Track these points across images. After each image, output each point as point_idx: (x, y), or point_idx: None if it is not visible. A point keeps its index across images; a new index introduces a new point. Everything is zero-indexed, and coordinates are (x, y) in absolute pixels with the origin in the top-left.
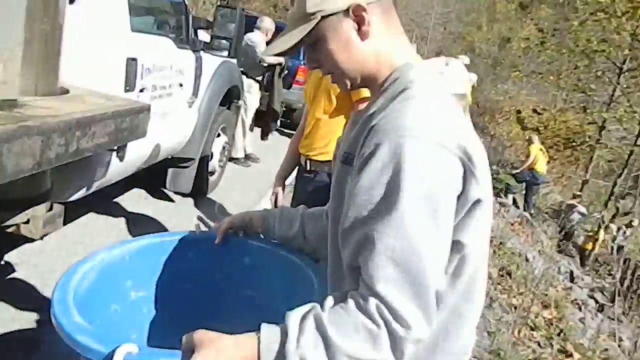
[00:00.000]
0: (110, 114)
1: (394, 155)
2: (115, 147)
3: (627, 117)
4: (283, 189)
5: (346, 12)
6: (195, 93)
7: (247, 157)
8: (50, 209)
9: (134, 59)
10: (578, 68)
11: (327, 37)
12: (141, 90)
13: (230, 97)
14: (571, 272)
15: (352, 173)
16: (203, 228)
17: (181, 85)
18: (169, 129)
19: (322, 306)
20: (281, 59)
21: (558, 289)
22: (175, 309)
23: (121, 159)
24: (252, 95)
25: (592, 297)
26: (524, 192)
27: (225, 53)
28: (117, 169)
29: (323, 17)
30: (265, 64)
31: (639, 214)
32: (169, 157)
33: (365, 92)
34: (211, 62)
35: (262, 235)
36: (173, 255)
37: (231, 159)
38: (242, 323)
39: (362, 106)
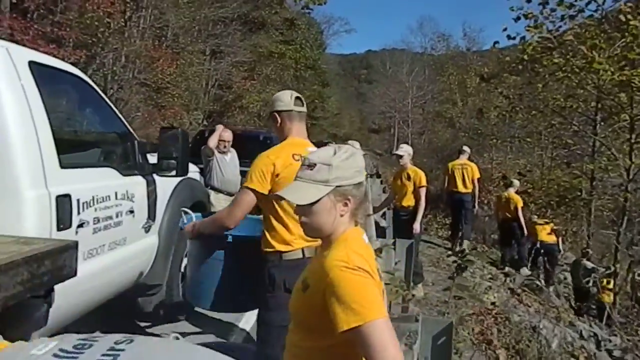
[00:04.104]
0: (20, 261)
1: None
2: (42, 293)
3: (611, 166)
4: None
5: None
6: (151, 217)
7: None
8: None
9: (66, 195)
10: (554, 126)
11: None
12: (80, 226)
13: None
14: (596, 335)
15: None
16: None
17: (132, 211)
18: (124, 259)
19: None
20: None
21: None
22: None
23: (49, 304)
24: (217, 208)
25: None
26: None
27: (173, 173)
28: (59, 314)
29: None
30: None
31: None
32: (132, 285)
33: None
34: (167, 182)
35: None
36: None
37: None
38: None
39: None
